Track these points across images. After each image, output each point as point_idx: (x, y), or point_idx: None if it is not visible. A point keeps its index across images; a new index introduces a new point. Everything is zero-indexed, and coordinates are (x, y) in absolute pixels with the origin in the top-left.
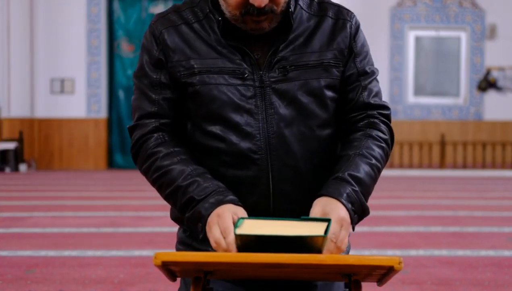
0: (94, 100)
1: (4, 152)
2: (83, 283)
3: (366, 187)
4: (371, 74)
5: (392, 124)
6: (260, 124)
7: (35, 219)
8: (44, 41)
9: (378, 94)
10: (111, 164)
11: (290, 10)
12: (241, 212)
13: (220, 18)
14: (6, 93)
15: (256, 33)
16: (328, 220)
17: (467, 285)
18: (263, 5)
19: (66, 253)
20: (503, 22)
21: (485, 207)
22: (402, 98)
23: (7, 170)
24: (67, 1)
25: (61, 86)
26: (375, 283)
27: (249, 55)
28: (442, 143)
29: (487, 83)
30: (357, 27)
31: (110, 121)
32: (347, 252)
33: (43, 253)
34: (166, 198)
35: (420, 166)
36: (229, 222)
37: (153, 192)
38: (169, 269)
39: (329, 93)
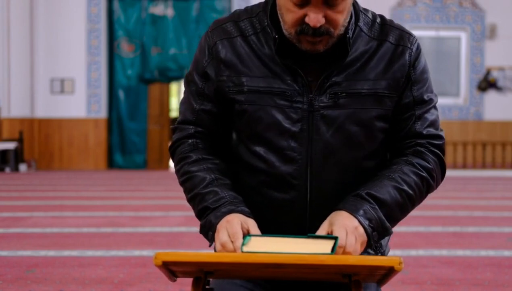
0: (94, 100)
1: (4, 152)
2: (83, 283)
3: (388, 209)
4: (429, 102)
5: None
6: (303, 149)
7: (35, 219)
8: (44, 41)
9: (433, 123)
10: (111, 164)
11: (348, 36)
12: (251, 223)
13: (276, 36)
14: (6, 93)
15: (310, 53)
16: (335, 238)
17: (467, 285)
18: (318, 25)
19: (66, 253)
20: (503, 22)
21: (485, 207)
22: None
23: (7, 170)
24: (67, 1)
25: (61, 86)
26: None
27: (301, 76)
28: None
29: (487, 83)
30: (418, 53)
31: (110, 121)
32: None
33: (43, 253)
34: (188, 201)
35: None
36: (238, 228)
37: (153, 192)
38: (170, 269)
39: (379, 124)
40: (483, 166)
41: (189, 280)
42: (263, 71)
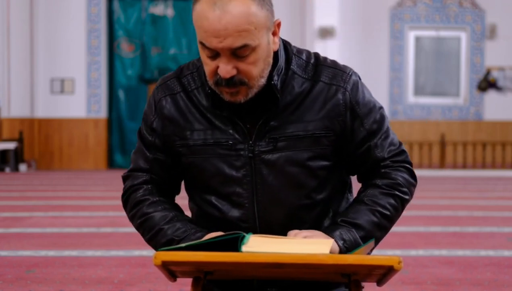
0: (94, 100)
1: (4, 152)
2: (83, 283)
3: (365, 230)
4: (379, 127)
5: (392, 125)
6: (249, 194)
7: (35, 219)
8: (44, 41)
9: (391, 143)
10: (111, 164)
11: (273, 82)
12: None
13: (209, 90)
14: (6, 93)
15: (234, 103)
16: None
17: (467, 285)
18: (228, 76)
19: (66, 253)
20: (503, 22)
21: (485, 207)
22: (402, 98)
23: (7, 170)
24: (67, 1)
25: (61, 86)
26: (375, 283)
27: (239, 125)
28: (442, 144)
29: (487, 83)
30: (355, 88)
31: (110, 121)
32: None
33: (43, 253)
34: (148, 241)
35: (420, 166)
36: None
37: None
38: (169, 269)
39: (318, 163)
40: (483, 166)
41: (189, 280)
42: (205, 124)
